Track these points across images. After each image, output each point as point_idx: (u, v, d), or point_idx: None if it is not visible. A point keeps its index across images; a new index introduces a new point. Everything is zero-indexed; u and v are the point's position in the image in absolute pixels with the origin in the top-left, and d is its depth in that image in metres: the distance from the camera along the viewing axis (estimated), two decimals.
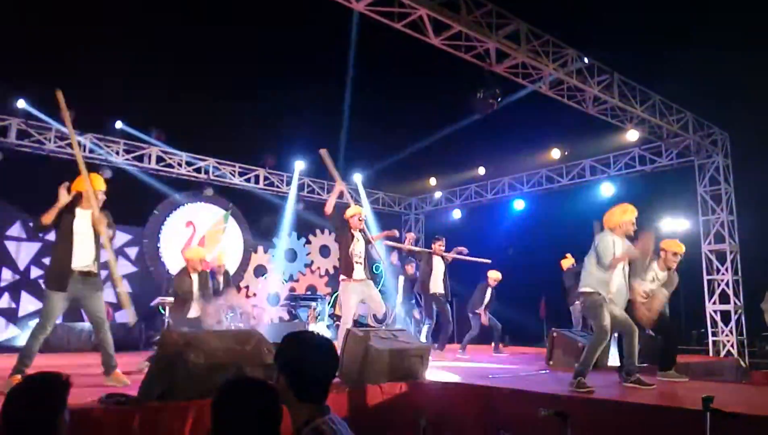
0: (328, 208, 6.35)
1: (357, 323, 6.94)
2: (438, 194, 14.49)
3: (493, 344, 9.12)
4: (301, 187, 12.86)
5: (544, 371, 6.26)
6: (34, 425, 1.93)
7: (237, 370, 3.52)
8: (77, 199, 4.68)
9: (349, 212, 6.41)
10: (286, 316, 12.39)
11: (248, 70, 9.29)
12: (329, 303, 12.79)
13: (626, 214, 4.84)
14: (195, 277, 6.58)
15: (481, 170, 13.11)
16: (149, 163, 10.83)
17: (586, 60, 8.14)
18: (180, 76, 8.88)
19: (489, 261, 9.08)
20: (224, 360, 3.65)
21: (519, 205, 13.24)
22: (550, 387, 4.57)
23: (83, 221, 4.65)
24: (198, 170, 11.48)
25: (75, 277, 4.53)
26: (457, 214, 14.36)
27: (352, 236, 6.25)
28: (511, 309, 11.32)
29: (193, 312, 6.50)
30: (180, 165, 11.21)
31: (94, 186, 4.79)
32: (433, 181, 13.95)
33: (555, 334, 7.15)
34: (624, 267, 4.80)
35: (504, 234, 13.10)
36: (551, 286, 10.64)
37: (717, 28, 8.20)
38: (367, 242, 6.43)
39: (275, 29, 8.37)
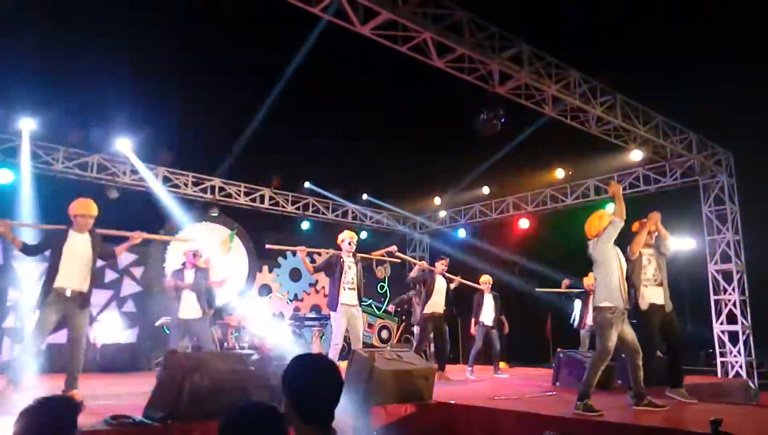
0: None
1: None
2: (443, 213, 14.52)
3: (493, 365, 9.03)
4: (306, 207, 12.91)
5: (550, 393, 6.21)
6: None
7: (242, 394, 3.51)
8: (71, 223, 5.01)
9: (340, 237, 6.54)
10: (291, 336, 12.37)
11: (252, 90, 9.40)
12: None
13: (603, 219, 4.86)
14: (189, 273, 6.57)
15: (486, 190, 13.14)
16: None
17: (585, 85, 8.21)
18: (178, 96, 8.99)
19: (482, 287, 9.13)
20: (229, 381, 3.66)
21: (524, 224, 13.24)
22: (556, 409, 4.53)
23: (75, 243, 4.94)
24: (204, 190, 11.56)
25: (61, 296, 4.78)
26: (461, 233, 14.36)
27: (342, 264, 6.28)
28: (516, 329, 11.26)
29: (189, 312, 6.44)
30: (186, 185, 11.30)
31: (88, 210, 5.06)
32: (437, 200, 13.98)
33: (561, 355, 7.10)
34: (620, 268, 4.78)
35: (509, 253, 13.08)
36: (557, 305, 10.60)
37: (720, 48, 8.28)
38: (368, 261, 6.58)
39: (276, 50, 8.48)
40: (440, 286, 8.08)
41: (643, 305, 5.42)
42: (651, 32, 8.35)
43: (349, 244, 6.52)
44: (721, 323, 9.97)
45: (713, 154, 10.21)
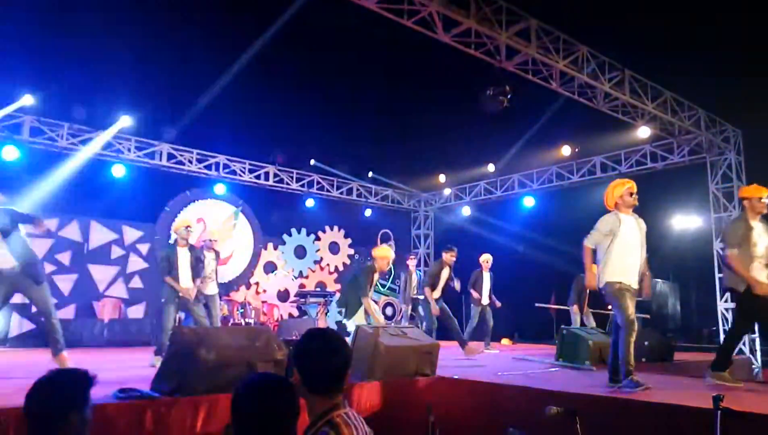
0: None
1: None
2: (447, 191, 14.48)
3: (484, 341, 9.11)
4: (311, 184, 12.90)
5: (554, 369, 6.26)
6: (55, 419, 1.97)
7: (248, 369, 3.55)
8: None
9: (379, 253, 6.34)
10: (296, 313, 12.48)
11: (261, 68, 9.31)
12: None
13: (617, 188, 4.68)
14: (184, 251, 6.61)
15: (491, 167, 13.07)
16: (160, 160, 10.92)
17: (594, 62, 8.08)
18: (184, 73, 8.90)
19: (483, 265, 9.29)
20: (235, 356, 3.70)
21: (529, 202, 13.20)
22: (558, 385, 4.57)
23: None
24: (209, 167, 11.55)
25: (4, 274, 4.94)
26: (466, 210, 14.34)
27: (372, 281, 6.28)
28: (521, 306, 11.31)
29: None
30: (191, 162, 11.29)
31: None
32: (442, 177, 13.93)
33: (565, 332, 7.14)
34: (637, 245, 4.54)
35: (514, 231, 13.07)
36: (561, 283, 10.61)
37: (728, 25, 8.10)
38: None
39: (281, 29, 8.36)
40: (444, 275, 8.14)
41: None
42: (660, 7, 8.17)
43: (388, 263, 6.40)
44: (726, 301, 9.97)
45: (722, 131, 10.09)
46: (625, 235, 4.55)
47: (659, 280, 11.81)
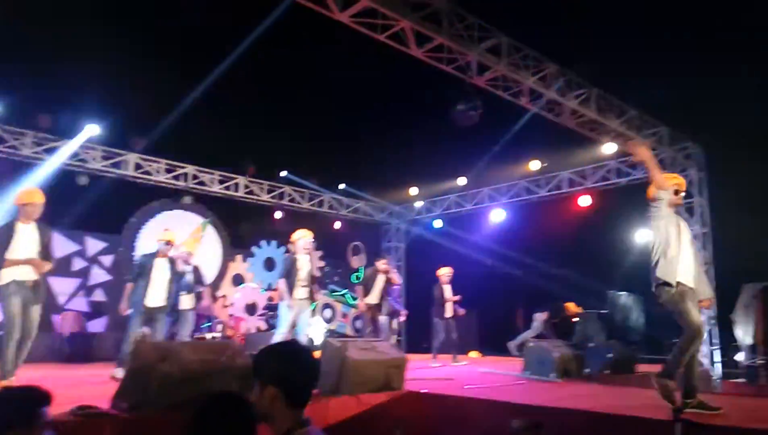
0: None
1: (333, 334, 7.09)
2: (419, 204, 14.55)
3: (451, 354, 9.15)
4: (281, 196, 12.81)
5: (521, 382, 6.31)
6: None
7: (213, 384, 3.48)
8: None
9: (295, 235, 6.62)
10: (264, 326, 12.32)
11: (232, 78, 9.27)
12: None
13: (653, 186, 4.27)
14: (162, 262, 6.47)
15: (462, 180, 13.20)
16: (127, 170, 10.70)
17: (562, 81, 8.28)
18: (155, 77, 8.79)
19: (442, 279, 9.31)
20: (198, 371, 3.62)
21: (498, 215, 13.36)
22: (525, 397, 4.60)
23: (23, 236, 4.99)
24: (177, 178, 11.37)
25: (21, 286, 4.81)
26: (437, 223, 14.42)
27: (296, 262, 6.45)
28: (489, 318, 11.41)
29: (155, 300, 6.35)
30: (159, 172, 11.09)
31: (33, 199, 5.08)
32: (414, 190, 13.99)
33: (531, 344, 7.23)
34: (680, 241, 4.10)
35: (484, 244, 13.20)
36: (530, 295, 10.76)
37: (693, 43, 8.41)
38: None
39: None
40: (380, 282, 8.29)
41: None
42: (626, 26, 8.45)
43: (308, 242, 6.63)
44: None
45: (684, 148, 10.41)
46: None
47: (623, 292, 12.07)
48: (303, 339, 6.39)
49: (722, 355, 10.14)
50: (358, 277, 14.15)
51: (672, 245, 4.08)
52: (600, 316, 11.41)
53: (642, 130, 9.74)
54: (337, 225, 14.16)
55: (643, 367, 8.42)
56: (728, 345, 9.98)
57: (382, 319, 9.11)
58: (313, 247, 6.76)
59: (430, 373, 7.24)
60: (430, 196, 14.22)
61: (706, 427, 3.44)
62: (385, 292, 8.28)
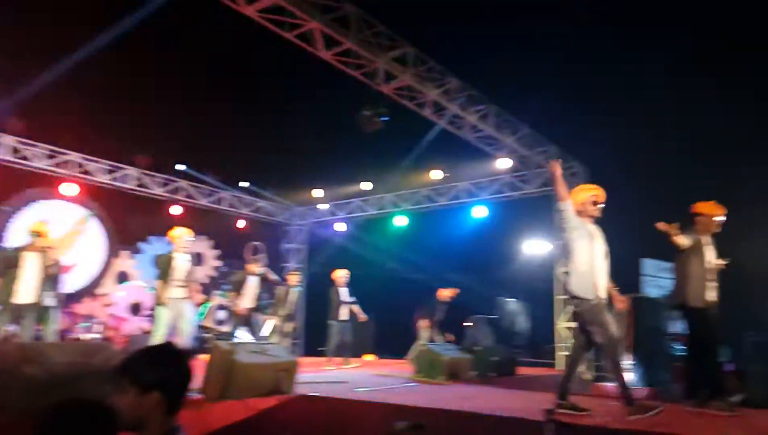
0: None
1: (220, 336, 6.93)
2: (324, 206, 14.48)
3: (343, 357, 9.20)
4: (175, 191, 12.19)
5: (411, 384, 6.47)
6: None
7: (82, 389, 3.23)
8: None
9: (174, 233, 6.50)
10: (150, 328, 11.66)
11: (130, 59, 8.67)
12: (199, 314, 12.23)
13: (580, 193, 4.29)
14: (33, 256, 5.97)
15: (367, 185, 13.31)
16: (2, 154, 9.69)
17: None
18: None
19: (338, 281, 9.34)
20: (67, 375, 3.35)
21: (402, 221, 13.63)
22: (411, 399, 4.72)
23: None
24: (59, 165, 10.46)
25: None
26: (341, 227, 14.44)
27: (173, 260, 6.30)
28: (387, 322, 11.60)
29: (24, 296, 5.85)
30: (38, 157, 10.14)
31: None
32: (318, 192, 13.88)
33: (423, 348, 7.45)
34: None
35: (386, 249, 13.41)
36: (428, 300, 11.05)
37: (580, 69, 9.13)
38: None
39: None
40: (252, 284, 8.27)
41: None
42: (525, 51, 8.98)
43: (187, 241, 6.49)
44: (563, 320, 11.04)
45: (570, 166, 11.24)
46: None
47: (511, 299, 12.79)
48: (184, 341, 6.16)
49: (595, 359, 11.04)
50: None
51: (583, 259, 4.07)
52: (490, 321, 12.00)
53: (533, 148, 10.39)
54: (242, 224, 13.74)
55: (524, 370, 8.98)
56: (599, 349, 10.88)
57: (280, 322, 8.98)
58: (192, 246, 6.58)
59: (324, 376, 7.22)
60: (335, 199, 14.22)
61: (575, 426, 3.71)
62: (271, 294, 8.21)
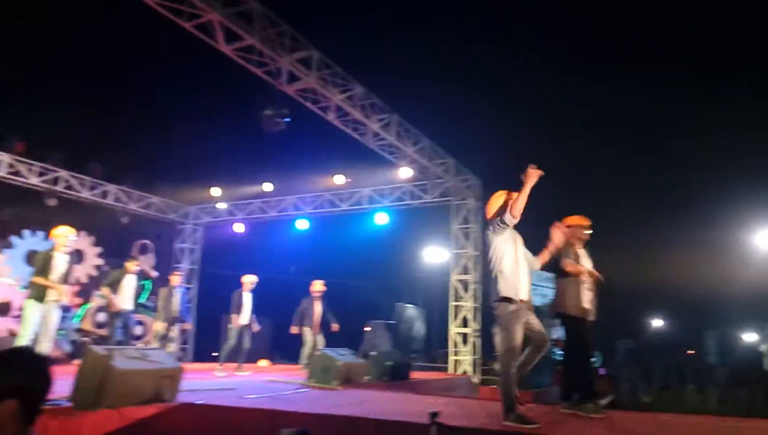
0: None
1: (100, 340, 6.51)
2: (222, 205, 13.94)
3: (238, 363, 8.95)
4: (55, 181, 11.19)
5: (303, 390, 6.38)
6: None
7: None
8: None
9: (57, 231, 6.26)
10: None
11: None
12: (76, 315, 11.31)
13: (499, 199, 4.41)
14: None
15: (268, 186, 13.02)
16: None
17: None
18: None
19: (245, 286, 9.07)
20: None
21: (303, 224, 13.47)
22: (301, 406, 4.66)
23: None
24: None
25: None
26: (239, 227, 14.00)
27: (51, 259, 6.08)
28: (282, 326, 11.38)
29: None
30: None
31: None
32: (215, 191, 13.35)
33: (318, 353, 7.38)
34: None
35: (287, 252, 13.20)
36: (328, 305, 10.98)
37: (482, 87, 9.60)
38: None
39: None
40: (131, 283, 8.09)
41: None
42: (424, 60, 9.28)
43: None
44: (457, 326, 11.48)
45: (465, 179, 11.73)
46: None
47: (409, 305, 13.09)
48: (47, 345, 5.76)
49: (483, 364, 11.57)
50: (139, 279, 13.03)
51: (508, 262, 4.18)
52: (388, 326, 12.19)
53: (433, 160, 10.72)
54: (125, 219, 12.85)
55: (418, 374, 9.20)
56: (489, 354, 11.44)
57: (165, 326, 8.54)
58: (73, 246, 6.22)
59: (212, 383, 6.93)
60: (234, 199, 13.76)
61: (458, 429, 3.84)
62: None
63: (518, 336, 4.05)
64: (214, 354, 13.39)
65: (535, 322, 4.22)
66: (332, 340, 9.34)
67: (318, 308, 9.43)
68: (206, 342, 13.78)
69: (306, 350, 9.21)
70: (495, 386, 9.20)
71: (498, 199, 4.45)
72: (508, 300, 4.11)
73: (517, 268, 4.20)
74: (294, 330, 9.40)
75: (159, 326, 8.60)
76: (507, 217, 4.16)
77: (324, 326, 9.40)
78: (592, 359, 5.18)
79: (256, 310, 9.19)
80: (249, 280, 9.05)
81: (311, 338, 9.18)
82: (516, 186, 4.32)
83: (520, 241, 4.41)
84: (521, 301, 4.12)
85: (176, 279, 8.96)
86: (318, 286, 9.54)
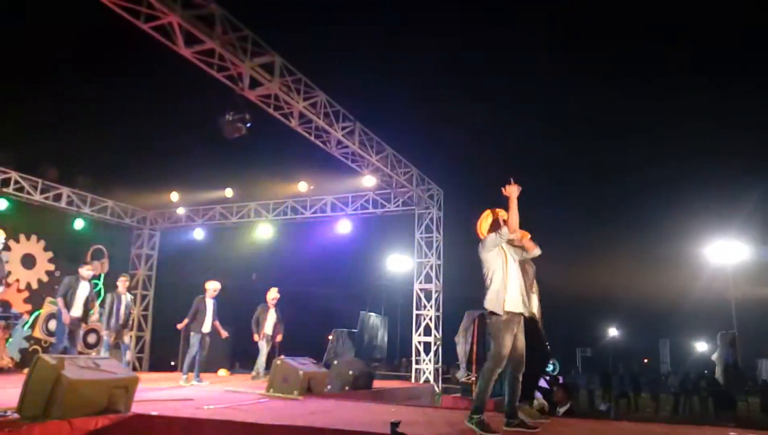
0: None
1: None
2: (181, 211, 13.63)
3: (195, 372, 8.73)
4: (6, 183, 10.73)
5: (264, 400, 6.27)
6: None
7: None
8: None
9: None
10: None
11: None
12: (27, 323, 10.85)
13: (489, 217, 4.55)
14: None
15: (229, 192, 12.83)
16: None
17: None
18: None
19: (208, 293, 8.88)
20: None
21: (265, 231, 13.30)
22: (259, 416, 4.58)
23: None
24: None
25: None
26: (199, 233, 13.71)
27: None
28: (242, 335, 11.19)
29: None
30: None
31: None
32: (174, 196, 13.03)
33: (278, 362, 7.25)
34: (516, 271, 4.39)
35: (248, 259, 13.01)
36: (291, 313, 10.87)
37: (445, 101, 9.72)
38: None
39: None
40: (84, 291, 8.00)
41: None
42: (393, 74, 9.34)
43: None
44: (420, 335, 11.52)
45: (428, 189, 11.84)
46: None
47: (372, 313, 13.06)
48: None
49: (445, 372, 11.66)
50: (96, 285, 12.60)
51: (497, 277, 4.30)
52: (350, 334, 12.13)
53: (396, 169, 10.77)
54: (79, 224, 12.42)
55: (381, 383, 9.17)
56: (452, 364, 11.54)
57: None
58: (2, 248, 6.06)
59: (171, 393, 6.74)
60: (193, 204, 13.48)
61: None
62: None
63: (506, 344, 4.17)
64: (172, 363, 13.05)
65: (520, 341, 4.33)
66: (294, 349, 9.23)
67: (271, 316, 9.37)
68: (163, 350, 13.43)
69: (260, 359, 9.11)
70: (457, 395, 9.29)
71: (487, 218, 4.63)
72: (494, 314, 4.26)
73: (505, 284, 4.31)
74: (256, 338, 9.29)
75: (105, 334, 8.29)
76: (504, 232, 4.34)
77: (275, 335, 9.42)
78: (535, 365, 5.23)
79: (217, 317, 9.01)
80: (212, 286, 8.81)
81: (264, 346, 9.09)
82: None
83: (516, 255, 4.51)
84: (508, 313, 4.24)
85: (123, 284, 8.66)
86: (273, 293, 9.47)
